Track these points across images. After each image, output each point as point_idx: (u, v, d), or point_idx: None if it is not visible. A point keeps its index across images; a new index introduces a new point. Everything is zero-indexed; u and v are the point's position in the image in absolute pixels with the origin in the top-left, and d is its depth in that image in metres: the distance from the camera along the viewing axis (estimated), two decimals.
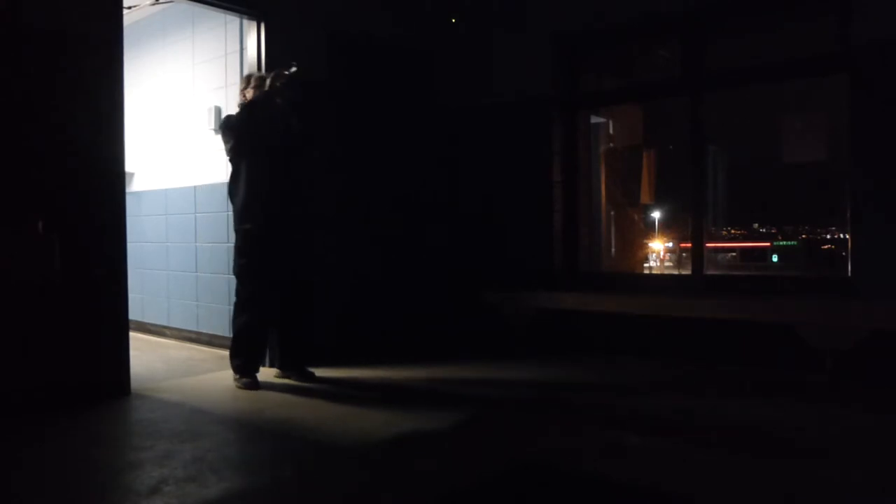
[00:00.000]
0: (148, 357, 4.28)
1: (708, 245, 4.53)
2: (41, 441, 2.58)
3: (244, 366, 3.47)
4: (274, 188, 3.46)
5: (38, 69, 3.02)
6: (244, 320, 3.47)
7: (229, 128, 3.49)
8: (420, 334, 4.66)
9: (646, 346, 4.21)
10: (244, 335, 3.48)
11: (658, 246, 8.11)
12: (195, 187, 4.77)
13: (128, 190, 3.55)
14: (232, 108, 4.38)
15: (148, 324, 5.25)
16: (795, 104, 4.93)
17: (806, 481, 2.14)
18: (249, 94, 3.54)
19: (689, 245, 4.36)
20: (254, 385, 3.41)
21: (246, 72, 4.05)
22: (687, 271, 4.44)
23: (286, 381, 3.58)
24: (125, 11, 3.50)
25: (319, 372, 3.66)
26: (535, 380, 3.67)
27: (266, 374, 3.66)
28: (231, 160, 3.53)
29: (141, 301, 5.20)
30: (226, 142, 3.52)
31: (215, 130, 4.55)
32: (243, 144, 3.45)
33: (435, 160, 4.95)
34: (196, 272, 4.76)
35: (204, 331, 4.71)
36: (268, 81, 3.49)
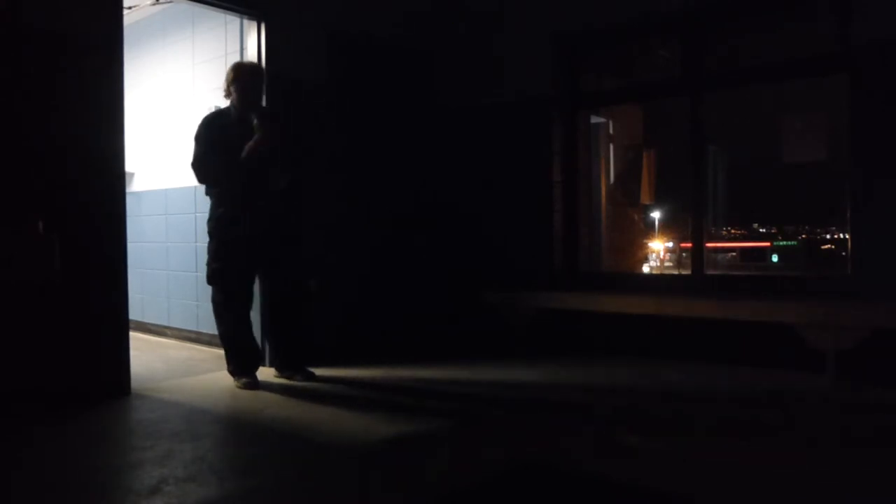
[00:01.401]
0: (148, 357, 4.28)
1: (708, 245, 4.53)
2: (41, 441, 2.58)
3: (237, 370, 3.49)
4: (252, 199, 3.42)
5: (38, 69, 3.02)
6: (223, 328, 3.51)
7: (210, 146, 3.41)
8: (420, 334, 4.66)
9: (646, 346, 4.20)
10: (226, 339, 3.52)
11: (658, 246, 8.11)
12: (195, 187, 4.76)
13: (128, 190, 3.54)
14: None
15: (148, 324, 5.25)
16: (795, 104, 4.94)
17: (807, 483, 2.14)
18: (234, 92, 3.46)
19: (689, 245, 4.36)
20: (254, 385, 3.41)
21: None
22: (687, 271, 4.45)
23: (286, 381, 3.58)
24: (125, 11, 3.50)
25: (320, 372, 3.66)
26: (536, 380, 3.67)
27: (266, 373, 3.67)
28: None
29: (141, 301, 5.20)
30: (200, 157, 3.43)
31: None
32: (231, 164, 3.40)
33: (435, 160, 4.95)
34: (196, 272, 4.76)
35: (204, 331, 4.71)
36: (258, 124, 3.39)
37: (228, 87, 3.50)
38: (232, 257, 3.43)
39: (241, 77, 3.46)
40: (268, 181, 3.42)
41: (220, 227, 3.44)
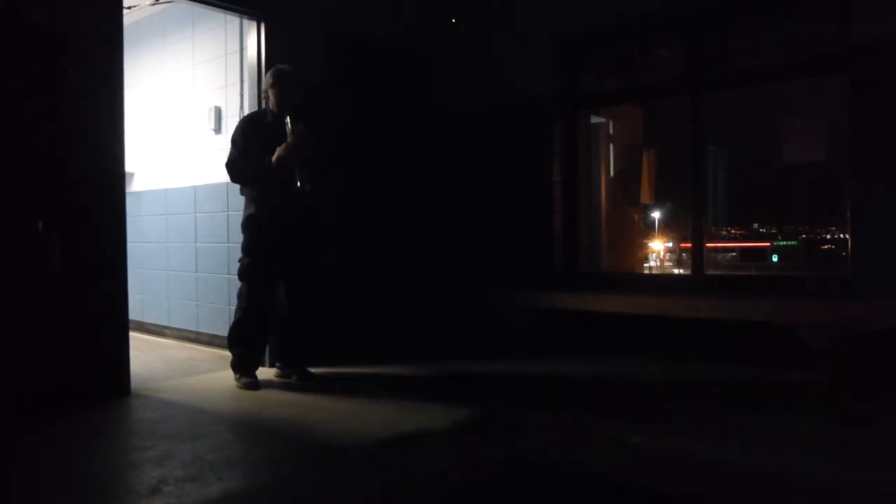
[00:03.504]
0: (148, 357, 4.28)
1: (708, 245, 4.53)
2: (41, 441, 2.58)
3: (241, 367, 3.49)
4: (280, 201, 3.45)
5: (39, 69, 3.02)
6: (242, 322, 3.50)
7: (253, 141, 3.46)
8: (420, 334, 4.66)
9: (646, 346, 4.20)
10: (238, 335, 3.51)
11: (658, 246, 8.10)
12: (195, 187, 4.77)
13: (128, 190, 3.54)
14: (232, 107, 4.39)
15: (148, 324, 5.25)
16: (795, 104, 4.93)
17: (807, 483, 2.14)
18: (272, 96, 3.49)
19: (689, 245, 4.36)
20: (254, 385, 3.41)
21: (247, 73, 4.06)
22: (687, 271, 4.44)
23: (286, 381, 3.58)
24: (125, 11, 3.50)
25: (320, 371, 3.66)
26: (536, 380, 3.67)
27: (266, 374, 3.67)
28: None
29: (141, 301, 5.20)
30: (234, 159, 3.49)
31: (216, 130, 4.56)
32: (262, 167, 3.43)
33: (435, 160, 4.95)
34: (196, 272, 4.76)
35: (204, 331, 4.71)
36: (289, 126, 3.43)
37: (267, 90, 3.53)
38: (260, 253, 3.46)
39: (280, 83, 3.47)
40: (295, 183, 3.43)
41: (251, 226, 3.47)
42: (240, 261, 3.52)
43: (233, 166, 3.48)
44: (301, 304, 3.61)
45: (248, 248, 3.49)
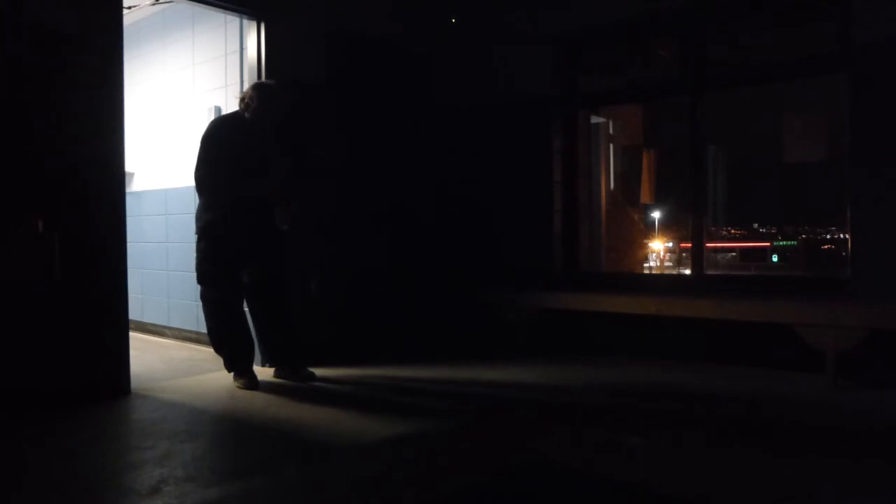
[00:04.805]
0: (148, 357, 4.28)
1: (708, 245, 4.53)
2: (41, 441, 2.58)
3: (234, 368, 3.50)
4: (241, 207, 3.43)
5: (38, 69, 3.02)
6: (220, 325, 3.51)
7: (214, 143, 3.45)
8: (420, 334, 4.66)
9: (646, 346, 4.20)
10: (219, 337, 3.52)
11: (658, 246, 8.11)
12: (195, 187, 4.76)
13: (128, 190, 3.54)
14: (232, 107, 4.37)
15: (148, 324, 5.24)
16: (795, 104, 4.94)
17: (805, 484, 2.14)
18: (252, 109, 3.45)
19: (689, 245, 4.36)
20: (253, 385, 3.41)
21: (247, 73, 4.05)
22: (687, 271, 4.44)
23: (286, 381, 3.58)
24: (125, 11, 3.50)
25: (319, 372, 3.66)
26: (536, 380, 3.67)
27: (266, 374, 3.67)
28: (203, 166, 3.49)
29: (141, 301, 5.20)
30: (201, 170, 3.46)
31: None
32: (221, 161, 3.42)
33: (435, 160, 4.95)
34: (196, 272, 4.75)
35: (204, 331, 4.69)
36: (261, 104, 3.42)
37: (247, 103, 3.44)
38: (221, 258, 3.45)
39: (263, 100, 3.42)
40: (272, 214, 3.48)
41: (209, 231, 3.45)
42: (198, 266, 3.48)
43: (200, 177, 3.42)
44: (276, 303, 3.59)
45: (204, 254, 3.45)
